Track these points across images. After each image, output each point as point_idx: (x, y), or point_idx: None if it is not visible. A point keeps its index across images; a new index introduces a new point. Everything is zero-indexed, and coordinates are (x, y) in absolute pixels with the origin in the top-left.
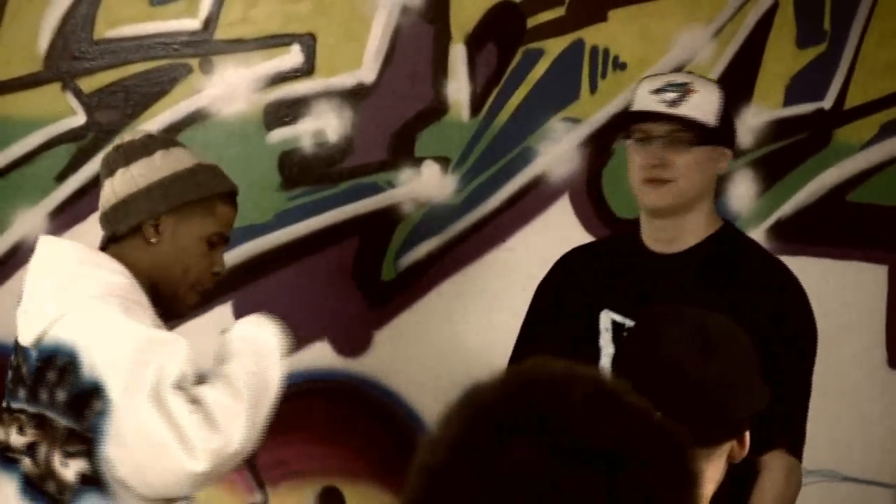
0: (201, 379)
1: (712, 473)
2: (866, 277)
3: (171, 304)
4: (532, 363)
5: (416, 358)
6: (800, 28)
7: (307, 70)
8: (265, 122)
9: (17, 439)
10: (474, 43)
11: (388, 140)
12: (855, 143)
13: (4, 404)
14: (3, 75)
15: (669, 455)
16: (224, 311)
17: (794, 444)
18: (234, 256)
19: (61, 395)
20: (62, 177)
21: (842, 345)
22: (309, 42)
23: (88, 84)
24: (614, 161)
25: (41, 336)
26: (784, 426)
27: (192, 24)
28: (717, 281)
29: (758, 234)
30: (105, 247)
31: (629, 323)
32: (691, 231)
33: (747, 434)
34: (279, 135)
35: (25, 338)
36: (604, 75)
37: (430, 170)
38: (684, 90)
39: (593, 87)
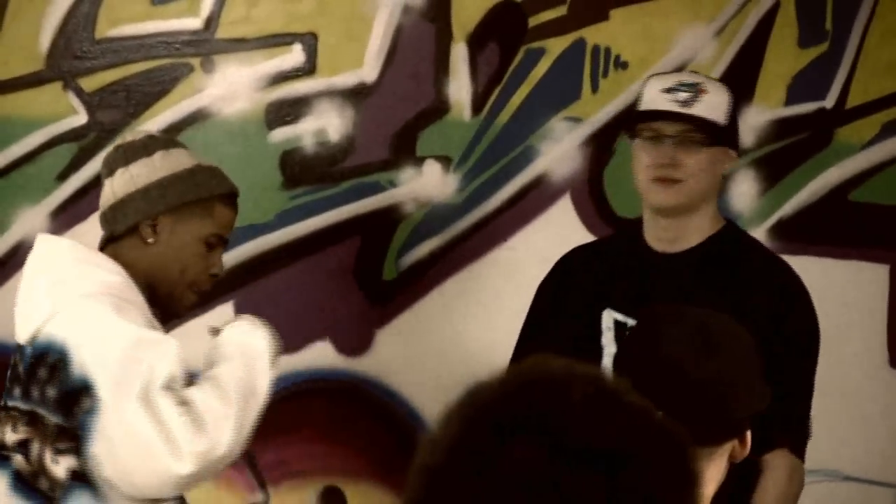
0: (192, 380)
1: (713, 473)
2: (867, 277)
3: (169, 304)
4: (532, 362)
5: (417, 357)
6: (801, 27)
7: (309, 69)
8: (266, 122)
9: (10, 436)
10: (476, 42)
11: (390, 139)
12: (856, 143)
13: (2, 403)
14: (5, 74)
15: (670, 455)
16: (225, 310)
17: (796, 443)
18: (235, 256)
19: (51, 392)
20: (63, 176)
21: (843, 344)
22: (310, 41)
23: (90, 83)
24: (616, 160)
25: (36, 334)
26: (786, 426)
27: (194, 23)
28: (719, 280)
29: (759, 233)
30: (104, 246)
31: (631, 322)
32: (694, 231)
33: (748, 434)
34: (280, 134)
35: (21, 335)
36: (605, 74)
37: (432, 169)
38: (696, 90)
39: (595, 87)
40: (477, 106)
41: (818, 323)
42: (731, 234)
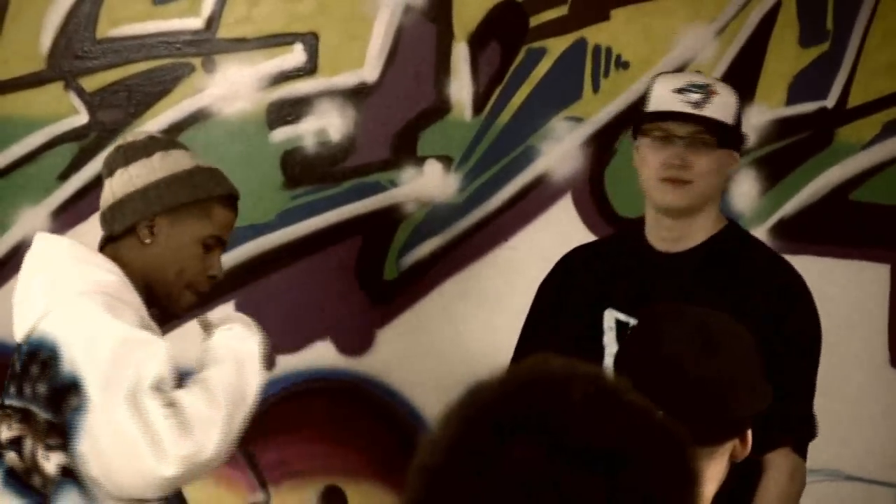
0: (181, 381)
1: (714, 472)
2: (868, 276)
3: (167, 304)
4: (532, 362)
5: (418, 357)
6: (802, 27)
7: (310, 69)
8: (268, 122)
9: (5, 434)
10: (477, 42)
11: (391, 139)
12: (857, 143)
13: (0, 401)
14: (6, 74)
15: (669, 454)
16: (226, 310)
17: (798, 442)
18: (236, 256)
19: (42, 389)
20: (64, 176)
21: (844, 344)
22: (311, 41)
23: (91, 83)
24: (617, 160)
25: (31, 331)
26: (788, 425)
27: (195, 23)
28: (721, 280)
29: (760, 232)
30: (104, 246)
31: (633, 322)
32: (697, 231)
33: (749, 433)
34: (282, 134)
35: (18, 333)
36: (606, 74)
37: (433, 169)
38: (707, 91)
39: (596, 86)
40: (478, 106)
41: (820, 322)
42: (733, 233)
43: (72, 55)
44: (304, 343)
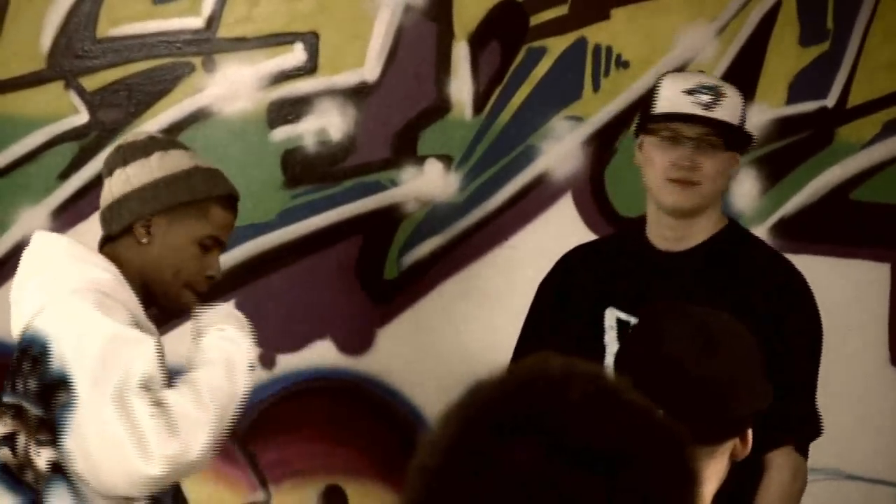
0: (172, 381)
1: (714, 472)
2: (869, 276)
3: (165, 304)
4: (532, 361)
5: (418, 356)
6: (803, 26)
7: (310, 68)
8: (268, 121)
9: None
10: (477, 41)
11: (391, 138)
12: (857, 142)
13: None
14: (6, 74)
15: (669, 454)
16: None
17: (799, 441)
18: (236, 255)
19: (32, 385)
20: (65, 175)
21: (844, 343)
22: (312, 40)
23: (91, 82)
24: (617, 159)
25: (26, 328)
26: (790, 424)
27: (195, 22)
28: (722, 279)
29: (761, 232)
30: (103, 246)
31: (634, 321)
32: (699, 230)
33: (749, 432)
34: (282, 133)
35: (15, 330)
36: (606, 73)
37: (433, 168)
38: (717, 93)
39: (596, 86)
40: (478, 105)
41: (821, 321)
42: (733, 233)
43: (72, 54)
44: (304, 342)
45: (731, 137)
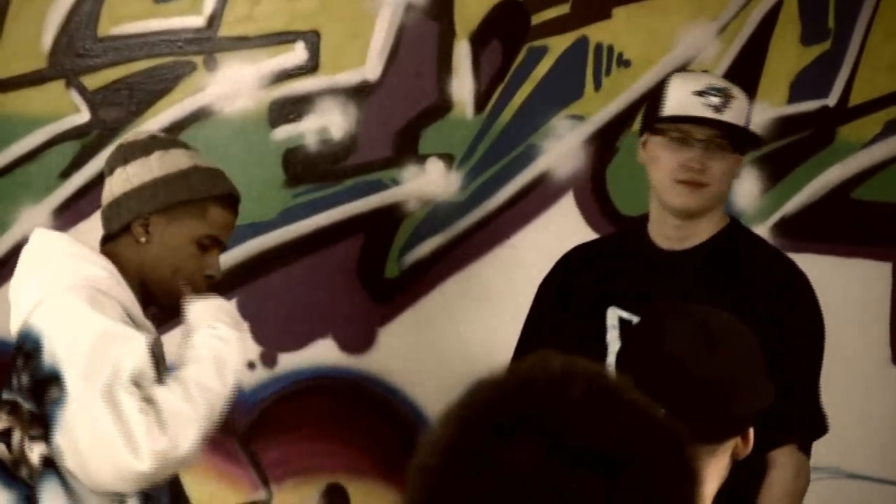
0: (163, 377)
1: (715, 470)
2: (870, 274)
3: (164, 303)
4: (533, 360)
5: (420, 355)
6: (804, 25)
7: (311, 67)
8: (269, 120)
9: None
10: (478, 40)
11: (393, 137)
12: (859, 141)
13: None
14: (7, 73)
15: (669, 453)
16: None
17: (802, 440)
18: (238, 254)
19: (25, 380)
20: (66, 174)
21: (845, 342)
22: (313, 39)
23: (92, 81)
24: (618, 158)
25: (22, 325)
26: (793, 423)
27: (197, 21)
28: (724, 277)
29: (762, 231)
30: (104, 244)
31: (636, 320)
32: (702, 230)
33: (751, 431)
34: (283, 132)
35: (13, 327)
36: (608, 72)
37: (435, 167)
38: (726, 95)
39: (597, 85)
40: (479, 104)
41: (822, 319)
42: (735, 231)
43: (73, 53)
44: (305, 341)
45: (739, 140)
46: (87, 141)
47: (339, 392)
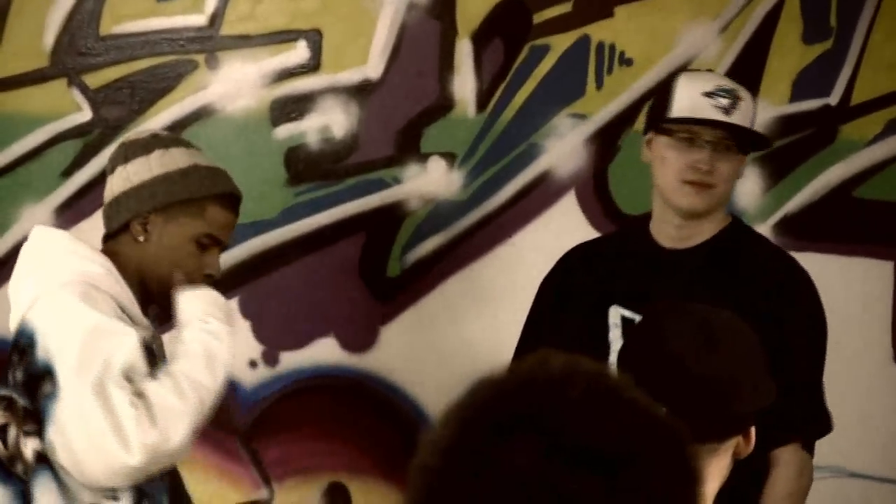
0: (153, 372)
1: (716, 469)
2: (872, 273)
3: (163, 301)
4: (533, 359)
5: (421, 354)
6: (806, 24)
7: (313, 66)
8: (271, 119)
9: None
10: (480, 39)
11: (394, 136)
12: (861, 140)
13: None
14: (9, 71)
15: (669, 453)
16: (230, 307)
17: (806, 439)
18: (239, 253)
19: (19, 376)
20: (68, 173)
21: (847, 341)
22: (315, 38)
23: (94, 80)
24: (620, 157)
25: (20, 321)
26: (796, 421)
27: (198, 20)
28: (726, 275)
29: (764, 229)
30: (105, 242)
31: (639, 318)
32: (705, 229)
33: (752, 430)
34: (285, 131)
35: (11, 324)
36: (610, 71)
37: (436, 166)
38: (734, 96)
39: (599, 83)
40: (481, 103)
41: (825, 317)
42: (737, 230)
43: (75, 52)
44: (307, 340)
45: (744, 140)
46: (88, 140)
47: (340, 391)
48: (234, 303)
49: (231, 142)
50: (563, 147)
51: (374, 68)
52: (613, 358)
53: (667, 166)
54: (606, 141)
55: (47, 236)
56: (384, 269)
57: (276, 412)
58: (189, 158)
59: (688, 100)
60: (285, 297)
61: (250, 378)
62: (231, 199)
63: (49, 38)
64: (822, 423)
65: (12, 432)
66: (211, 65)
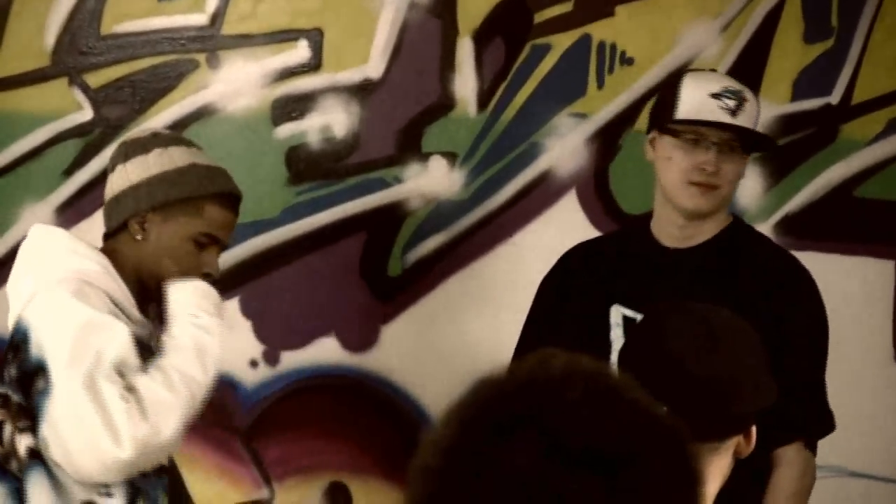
0: (145, 367)
1: (717, 469)
2: (873, 273)
3: (161, 299)
4: (534, 359)
5: (422, 353)
6: (807, 23)
7: (314, 65)
8: (272, 118)
9: None
10: (481, 38)
11: (395, 135)
12: (862, 139)
13: None
14: (10, 70)
15: (670, 453)
16: (231, 306)
17: (808, 438)
18: (240, 252)
19: (13, 372)
20: (69, 172)
21: (848, 340)
22: (316, 37)
23: (95, 79)
24: (621, 156)
25: (16, 319)
26: (798, 420)
27: (200, 19)
28: (728, 275)
29: (765, 229)
30: (105, 240)
31: (640, 317)
32: (707, 228)
33: (753, 429)
34: (286, 130)
35: (10, 322)
36: (611, 70)
37: (437, 165)
38: (740, 98)
39: (600, 83)
40: (482, 102)
41: (826, 316)
42: (738, 229)
43: (76, 51)
44: (308, 339)
45: (749, 141)
46: (89, 139)
47: (341, 390)
48: (234, 302)
49: (232, 141)
50: (564, 146)
51: (375, 67)
52: (614, 357)
53: (672, 167)
54: (607, 140)
55: (46, 234)
56: (385, 268)
57: (277, 412)
58: (188, 157)
59: (694, 101)
60: (286, 296)
61: (251, 377)
62: (230, 199)
63: (50, 38)
64: (824, 423)
65: (7, 429)
66: (212, 64)
